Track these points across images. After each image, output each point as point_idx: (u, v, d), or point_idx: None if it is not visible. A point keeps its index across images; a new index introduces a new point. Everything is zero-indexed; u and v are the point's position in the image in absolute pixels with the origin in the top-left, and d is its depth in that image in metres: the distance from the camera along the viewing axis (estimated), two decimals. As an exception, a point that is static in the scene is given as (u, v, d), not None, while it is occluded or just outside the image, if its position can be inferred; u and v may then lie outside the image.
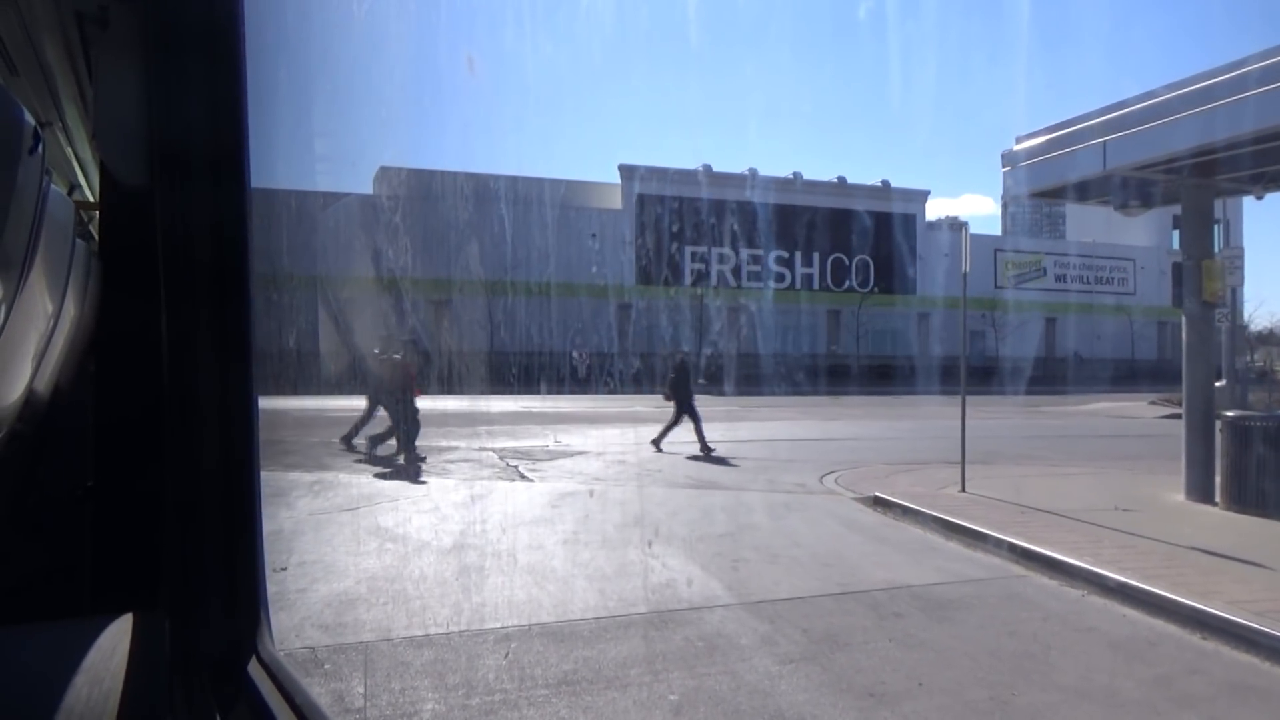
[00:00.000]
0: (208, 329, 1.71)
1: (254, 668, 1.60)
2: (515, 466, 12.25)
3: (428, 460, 12.57)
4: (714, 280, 45.71)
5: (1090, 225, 56.50)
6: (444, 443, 15.42)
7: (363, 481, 10.91)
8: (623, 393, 35.12)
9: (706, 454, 13.56)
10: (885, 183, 49.24)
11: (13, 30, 2.99)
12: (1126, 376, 49.94)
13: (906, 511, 8.69)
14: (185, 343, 1.71)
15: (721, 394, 35.02)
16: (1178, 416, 26.20)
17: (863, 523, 8.58)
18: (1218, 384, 27.52)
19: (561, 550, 7.37)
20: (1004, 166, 9.74)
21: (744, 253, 46.68)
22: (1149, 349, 54.27)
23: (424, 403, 25.07)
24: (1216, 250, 10.36)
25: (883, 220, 48.52)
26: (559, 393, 32.97)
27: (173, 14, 1.69)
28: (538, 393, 32.15)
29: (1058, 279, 53.46)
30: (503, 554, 7.33)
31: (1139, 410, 27.62)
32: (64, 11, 2.66)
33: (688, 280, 45.26)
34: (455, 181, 39.20)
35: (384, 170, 39.18)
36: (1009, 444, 16.83)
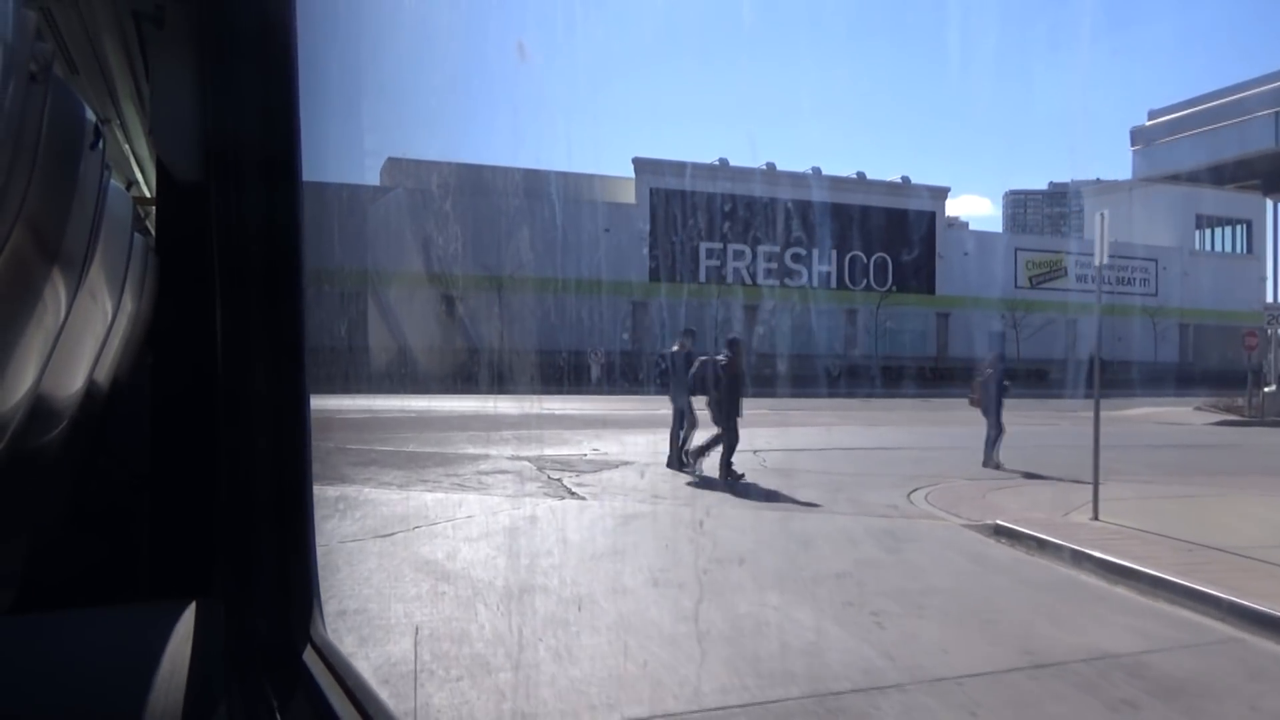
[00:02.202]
0: (261, 321, 1.71)
1: (308, 653, 1.63)
2: (559, 480, 10.93)
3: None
4: (729, 278, 44.40)
5: (1112, 224, 55.19)
6: (472, 449, 14.10)
7: (391, 498, 9.60)
8: (640, 394, 33.85)
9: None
10: (905, 179, 47.92)
11: (73, 29, 2.96)
12: (1151, 380, 48.71)
13: (1044, 545, 7.38)
14: (239, 335, 1.73)
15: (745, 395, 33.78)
16: (1231, 424, 24.97)
17: (995, 559, 7.28)
18: (1268, 389, 26.22)
19: (653, 596, 6.06)
20: (1134, 145, 8.45)
21: (760, 249, 45.36)
22: (1171, 351, 53.02)
23: (436, 403, 23.82)
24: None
25: (902, 217, 47.19)
26: (575, 393, 31.61)
27: (227, 13, 1.71)
28: (554, 393, 30.79)
29: (1079, 279, 52.16)
30: (584, 600, 6.01)
31: (1186, 416, 26.30)
32: (122, 11, 2.68)
33: (703, 278, 43.98)
34: (462, 174, 37.87)
35: (391, 162, 37.87)
36: (1078, 455, 15.53)
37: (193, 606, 1.59)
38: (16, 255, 1.07)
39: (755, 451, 14.43)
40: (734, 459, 11.42)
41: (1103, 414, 28.41)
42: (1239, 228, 55.97)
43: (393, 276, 31.75)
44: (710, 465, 11.49)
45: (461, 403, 23.73)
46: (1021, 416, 24.74)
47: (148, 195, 5.17)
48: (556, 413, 22.87)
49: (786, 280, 45.69)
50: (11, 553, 1.78)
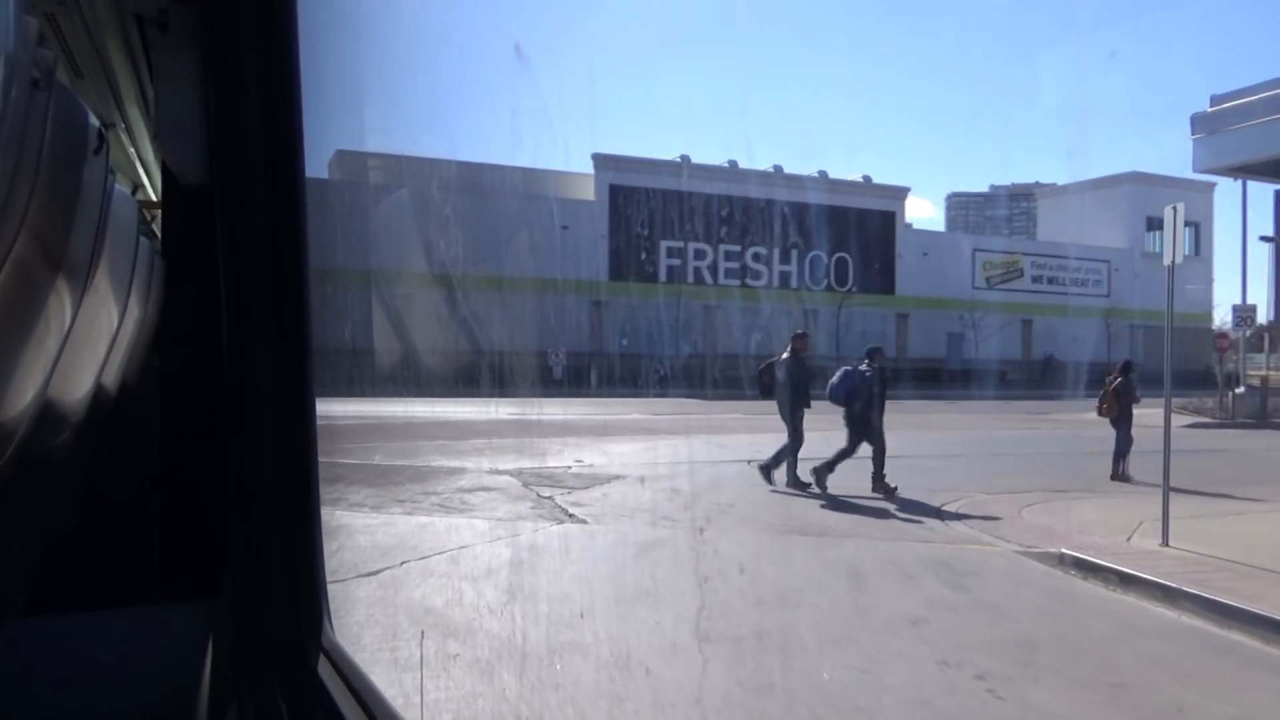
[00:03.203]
0: (267, 324, 1.72)
1: (316, 654, 1.66)
2: (551, 499, 9.86)
3: (486, 491, 10.12)
4: (691, 277, 43.56)
5: (1064, 226, 55.72)
6: (445, 461, 12.95)
7: (368, 524, 8.46)
8: (603, 396, 32.83)
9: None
10: (867, 178, 47.58)
11: (76, 33, 2.93)
12: (1104, 380, 49.05)
13: (1126, 580, 6.53)
14: (245, 337, 1.74)
15: (709, 397, 32.90)
16: (1205, 426, 24.75)
17: (1079, 598, 6.41)
18: (1238, 391, 26.09)
19: (711, 655, 5.05)
20: (1195, 134, 7.67)
21: (722, 249, 44.60)
22: (1124, 352, 53.45)
23: (394, 408, 22.52)
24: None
25: (862, 217, 46.88)
26: (538, 395, 30.39)
27: (230, 15, 1.70)
28: (515, 396, 29.56)
29: (1034, 280, 52.49)
30: (630, 663, 4.98)
31: (1159, 419, 25.98)
32: (125, 14, 2.69)
33: (663, 277, 43.10)
34: (417, 167, 36.39)
35: (340, 155, 36.23)
36: (1078, 462, 14.93)
37: (203, 609, 1.71)
38: (21, 263, 1.07)
39: (749, 462, 13.54)
40: (831, 470, 10.88)
41: (1072, 416, 28.09)
42: (1188, 230, 56.76)
43: (337, 274, 30.18)
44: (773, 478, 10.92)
45: (421, 406, 22.52)
46: (998, 420, 24.34)
47: (153, 199, 5.21)
48: (524, 418, 21.72)
49: (748, 280, 44.98)
50: (23, 557, 1.74)
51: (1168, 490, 7.58)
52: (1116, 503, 9.90)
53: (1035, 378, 48.85)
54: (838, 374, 11.42)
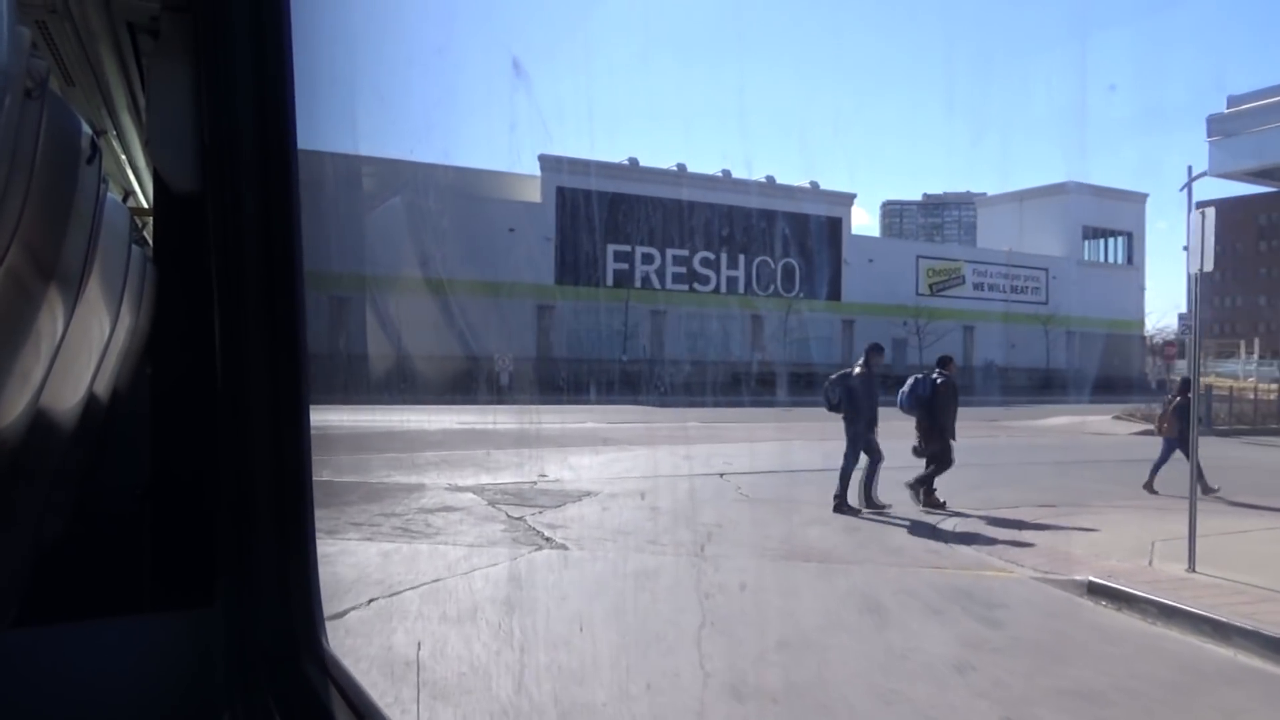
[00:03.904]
0: (260, 330, 1.72)
1: (311, 664, 1.63)
2: (523, 520, 9.11)
3: (426, 516, 9.28)
4: (638, 282, 42.96)
5: (1003, 234, 56.54)
6: (400, 477, 12.10)
7: (325, 552, 7.58)
8: (553, 403, 32.01)
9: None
10: (814, 184, 47.54)
11: (68, 41, 2.94)
12: (1045, 386, 49.97)
13: (1169, 613, 6.04)
14: (238, 344, 1.73)
15: (660, 404, 32.31)
16: (1152, 434, 24.92)
17: (1123, 634, 5.89)
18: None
19: (747, 717, 4.40)
20: (1210, 136, 7.29)
21: (669, 253, 44.12)
22: (1061, 358, 54.51)
23: (338, 415, 21.43)
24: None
25: (809, 223, 46.84)
26: (486, 403, 29.39)
27: (222, 22, 1.70)
28: (463, 404, 28.50)
29: (976, 287, 53.13)
30: (656, 730, 4.30)
31: (1108, 426, 26.21)
32: (117, 21, 2.67)
33: (610, 281, 42.43)
34: (353, 165, 35.06)
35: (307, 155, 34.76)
36: (1053, 474, 14.67)
37: (195, 617, 1.63)
38: (14, 271, 1.05)
39: (721, 475, 12.95)
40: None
41: (1025, 424, 28.15)
42: (1120, 239, 58.15)
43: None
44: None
45: (365, 415, 21.50)
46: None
47: (145, 206, 5.17)
48: (475, 427, 20.81)
49: (696, 285, 44.58)
50: (14, 565, 1.69)
51: (1194, 513, 7.14)
52: (1116, 520, 9.52)
53: (977, 384, 49.44)
54: (908, 383, 10.95)
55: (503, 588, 6.72)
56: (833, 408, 10.69)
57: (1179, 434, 11.57)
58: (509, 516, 9.33)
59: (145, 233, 3.50)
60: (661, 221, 42.92)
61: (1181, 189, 28.65)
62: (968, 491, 11.88)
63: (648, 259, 43.75)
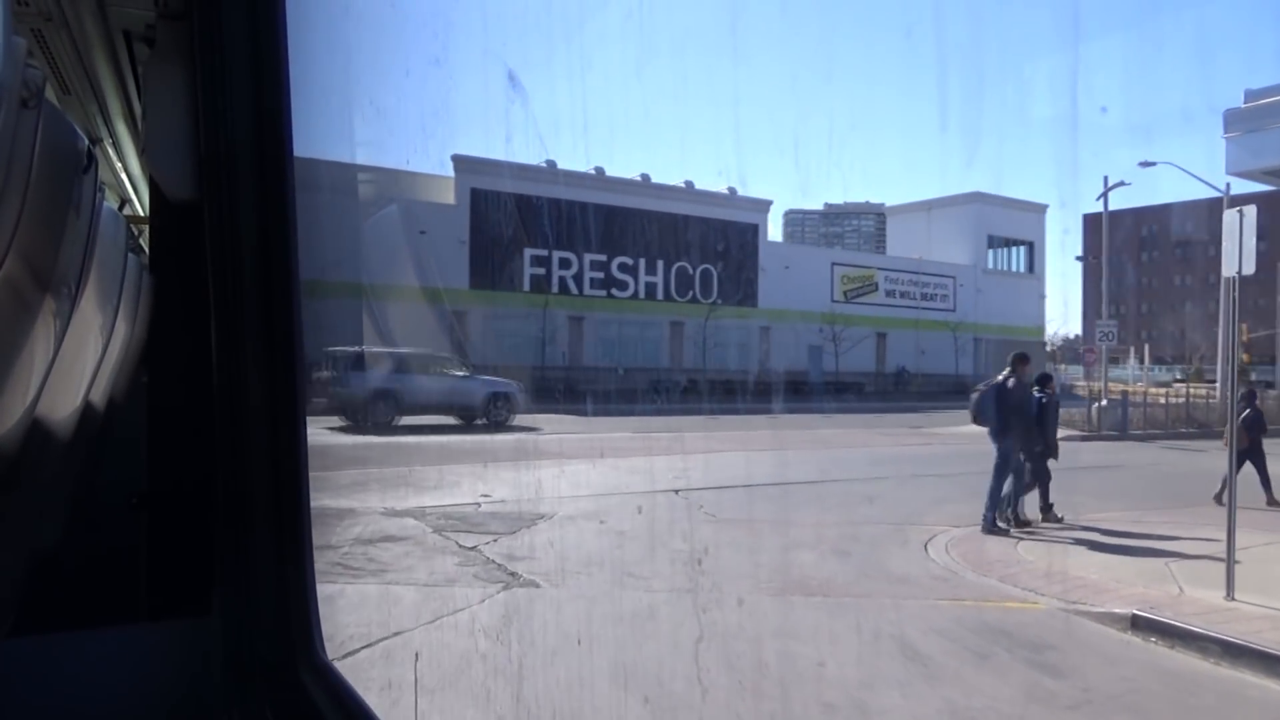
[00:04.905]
0: (256, 338, 1.72)
1: (307, 673, 1.63)
2: (478, 550, 8.08)
3: (347, 548, 8.12)
4: (555, 287, 41.88)
5: (912, 242, 57.56)
6: (327, 500, 10.82)
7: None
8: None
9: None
10: (732, 190, 47.30)
11: (64, 50, 2.91)
12: (954, 392, 50.81)
13: (1234, 652, 5.44)
14: (235, 352, 1.73)
15: (582, 413, 31.32)
16: (1075, 439, 25.22)
17: (1197, 679, 5.27)
18: (1100, 404, 26.78)
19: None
20: (1227, 132, 6.83)
21: (587, 258, 43.20)
22: (968, 364, 55.69)
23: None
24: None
25: (727, 229, 46.65)
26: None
27: (218, 30, 1.69)
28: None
29: (888, 294, 53.85)
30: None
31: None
32: (113, 29, 2.65)
33: (527, 286, 41.26)
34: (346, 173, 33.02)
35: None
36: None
37: (192, 626, 1.63)
38: (11, 280, 1.05)
39: (677, 492, 12.12)
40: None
41: (944, 430, 28.12)
42: (1022, 248, 59.88)
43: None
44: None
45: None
46: (883, 435, 23.91)
47: (141, 214, 5.15)
48: (396, 440, 19.48)
49: (614, 290, 43.76)
50: (10, 575, 1.67)
51: (1233, 535, 6.62)
52: (1112, 540, 9.06)
53: (890, 390, 50.09)
54: (990, 392, 10.38)
55: (476, 641, 5.71)
56: (983, 422, 10.07)
57: (1250, 445, 11.15)
58: (461, 546, 8.28)
59: (141, 241, 3.38)
60: (580, 225, 42.02)
61: (1098, 199, 29.27)
62: (934, 505, 11.37)
63: (565, 264, 42.75)
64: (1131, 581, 7.04)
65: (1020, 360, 10.31)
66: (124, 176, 5.07)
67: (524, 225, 40.87)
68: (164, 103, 1.84)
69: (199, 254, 1.75)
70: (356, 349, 21.67)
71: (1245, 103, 6.64)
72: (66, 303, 1.26)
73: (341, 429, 19.74)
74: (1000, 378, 10.17)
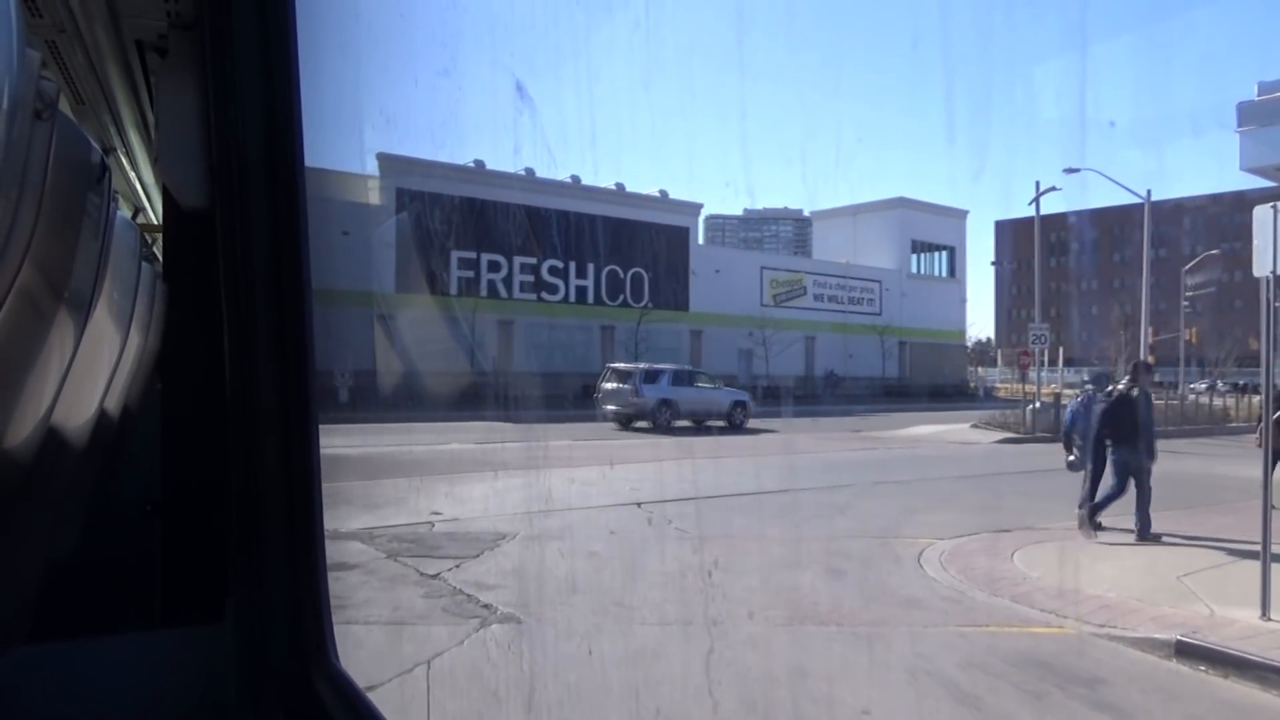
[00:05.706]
0: (268, 346, 1.73)
1: (321, 681, 1.61)
2: (441, 578, 7.29)
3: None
4: (484, 290, 40.81)
5: (838, 246, 58.07)
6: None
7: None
8: (400, 420, 29.43)
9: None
10: (663, 193, 46.92)
11: (77, 61, 2.92)
12: (882, 395, 51.41)
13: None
14: (247, 360, 1.74)
15: (515, 420, 30.37)
16: (1013, 441, 25.32)
17: (1267, 716, 4.83)
18: (1034, 406, 27.05)
19: None
20: (1241, 126, 6.55)
21: (517, 261, 42.24)
22: (894, 367, 56.44)
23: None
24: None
25: (658, 232, 46.20)
26: (323, 422, 26.43)
27: (229, 39, 1.69)
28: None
29: (816, 298, 54.18)
30: None
31: (970, 435, 26.52)
32: (125, 40, 2.67)
33: (455, 289, 40.11)
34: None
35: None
36: (968, 491, 14.10)
37: (206, 633, 1.64)
38: (26, 293, 1.08)
39: (639, 505, 11.46)
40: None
41: (889, 434, 28.04)
42: (943, 253, 61.03)
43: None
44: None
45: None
46: (830, 440, 23.66)
47: (155, 222, 5.08)
48: (325, 451, 18.29)
49: (544, 294, 42.88)
50: (26, 583, 1.62)
51: (1268, 549, 6.25)
52: (1100, 551, 8.72)
53: (819, 393, 50.33)
54: (1079, 402, 10.09)
55: (460, 696, 4.94)
56: (1102, 435, 9.54)
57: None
58: (421, 574, 7.47)
59: (155, 249, 3.46)
60: (509, 228, 41.06)
61: (1030, 203, 29.66)
62: (908, 515, 10.95)
63: (494, 266, 41.70)
64: (1153, 600, 6.66)
65: (1142, 369, 10.04)
66: (137, 185, 5.08)
67: (452, 227, 39.73)
68: (176, 112, 1.86)
69: (211, 262, 1.76)
70: (643, 365, 27.43)
71: (1259, 95, 6.51)
72: (81, 312, 1.26)
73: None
74: (1121, 386, 9.74)
